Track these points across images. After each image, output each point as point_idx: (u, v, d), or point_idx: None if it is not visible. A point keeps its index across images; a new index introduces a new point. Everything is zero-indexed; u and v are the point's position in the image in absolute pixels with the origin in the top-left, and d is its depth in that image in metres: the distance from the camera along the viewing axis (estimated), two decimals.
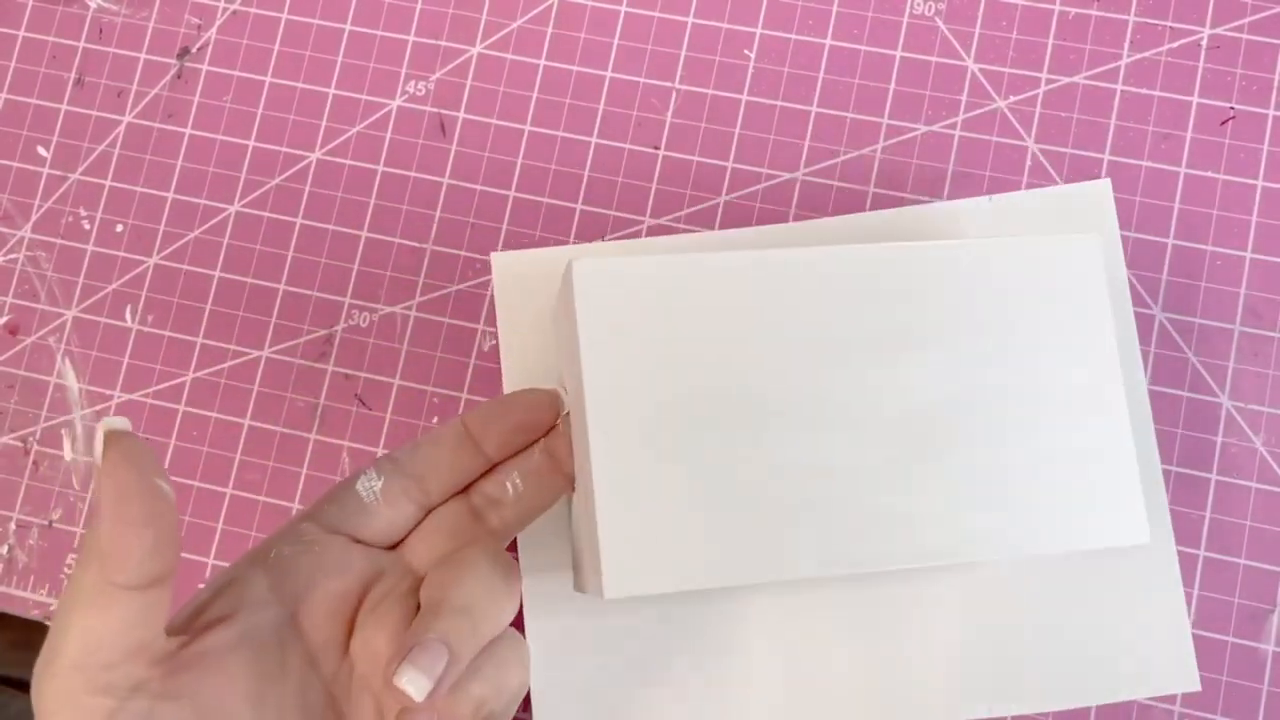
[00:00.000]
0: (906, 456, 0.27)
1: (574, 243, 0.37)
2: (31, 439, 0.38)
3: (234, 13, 0.40)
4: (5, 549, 0.37)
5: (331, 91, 0.39)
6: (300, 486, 0.37)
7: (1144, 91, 0.37)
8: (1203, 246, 0.36)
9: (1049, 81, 0.37)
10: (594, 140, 0.38)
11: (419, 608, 0.27)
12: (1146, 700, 0.34)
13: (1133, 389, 0.35)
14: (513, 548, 0.35)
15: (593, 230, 0.37)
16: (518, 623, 0.34)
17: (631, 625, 0.33)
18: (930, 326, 0.28)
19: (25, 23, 0.40)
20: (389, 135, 0.38)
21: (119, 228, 0.39)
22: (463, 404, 0.37)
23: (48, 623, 0.36)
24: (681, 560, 0.26)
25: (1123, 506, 0.28)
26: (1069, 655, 0.33)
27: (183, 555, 0.36)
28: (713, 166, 0.37)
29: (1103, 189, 0.36)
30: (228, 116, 0.39)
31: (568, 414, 0.30)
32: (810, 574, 0.26)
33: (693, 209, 0.37)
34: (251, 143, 0.39)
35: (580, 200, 0.38)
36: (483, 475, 0.31)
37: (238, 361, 0.37)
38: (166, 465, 0.37)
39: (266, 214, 0.38)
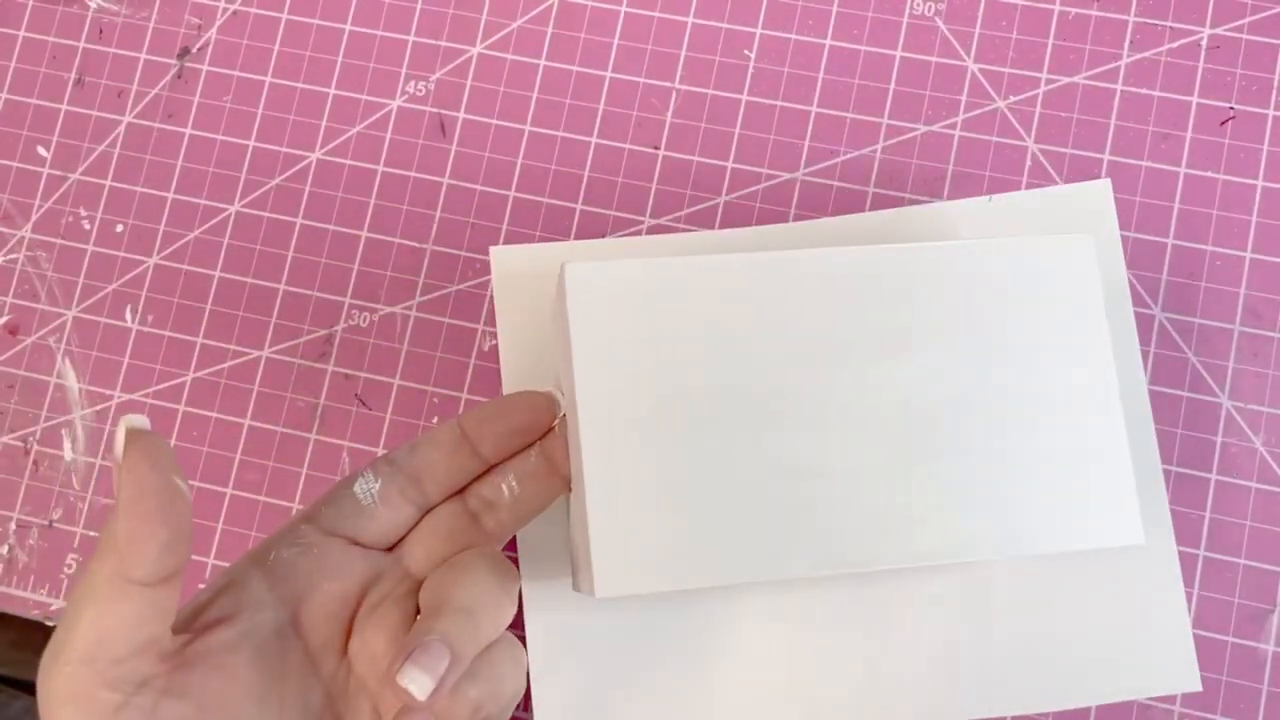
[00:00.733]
0: (902, 457, 0.27)
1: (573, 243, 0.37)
2: (31, 439, 0.38)
3: (234, 13, 0.40)
4: (5, 549, 0.37)
5: (331, 91, 0.39)
6: (300, 487, 0.37)
7: (1144, 91, 0.37)
8: (1203, 246, 0.36)
9: (1049, 81, 0.37)
10: (594, 140, 0.38)
11: (417, 610, 0.27)
12: (1146, 700, 0.34)
13: (1133, 389, 0.35)
14: (512, 546, 0.35)
15: (593, 230, 0.37)
16: (518, 622, 0.34)
17: (630, 625, 0.33)
18: (927, 327, 0.28)
19: (25, 23, 0.40)
20: (389, 135, 0.38)
21: (119, 228, 0.39)
22: (463, 404, 0.37)
23: (48, 622, 0.36)
24: (672, 560, 0.26)
25: (1118, 507, 0.28)
26: (1069, 656, 0.33)
27: None
28: (713, 166, 0.37)
29: (1102, 189, 0.36)
30: (228, 116, 0.39)
31: (564, 416, 0.30)
32: (803, 574, 0.26)
33: (693, 209, 0.37)
34: (251, 143, 0.39)
35: (580, 200, 0.38)
36: (479, 477, 0.31)
37: (238, 361, 0.37)
38: None
39: (266, 214, 0.38)
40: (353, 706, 0.27)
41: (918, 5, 0.38)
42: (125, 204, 0.39)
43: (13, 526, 0.37)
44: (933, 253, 0.29)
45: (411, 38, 0.39)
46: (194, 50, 0.40)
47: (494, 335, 0.37)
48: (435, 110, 0.38)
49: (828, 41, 0.38)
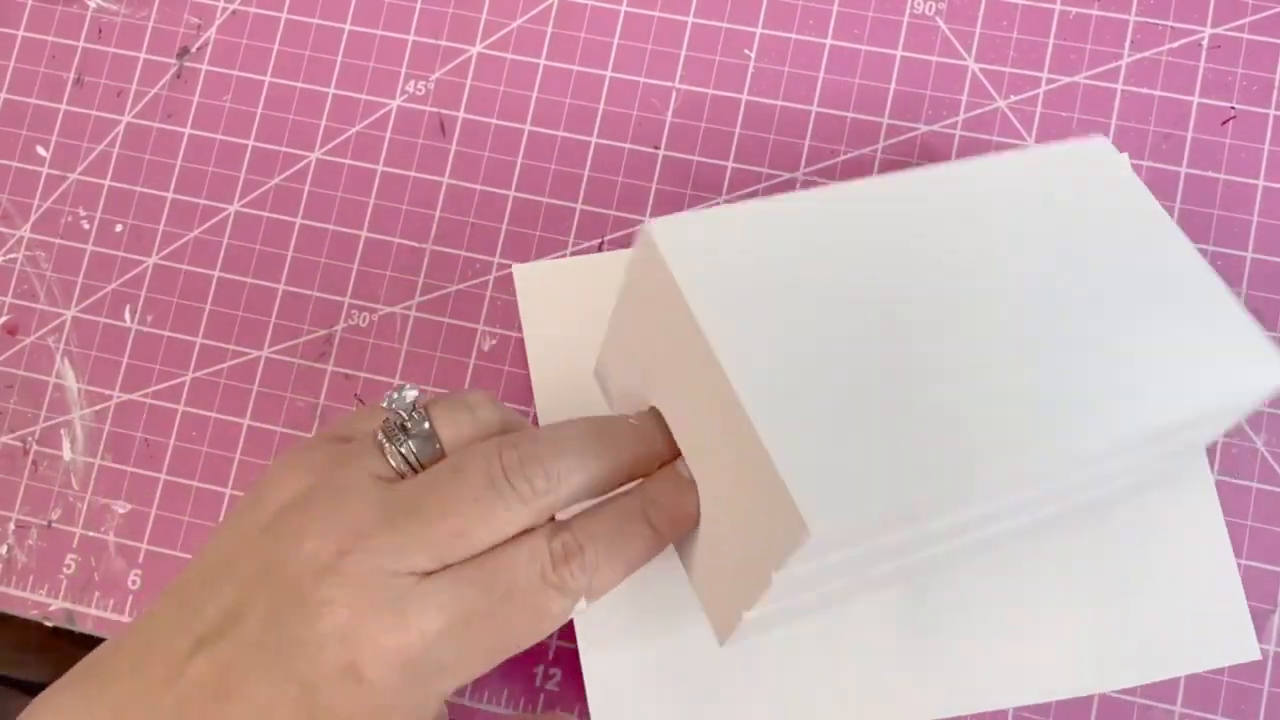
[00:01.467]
0: (1038, 350, 0.27)
1: (574, 242, 0.37)
2: (30, 439, 0.38)
3: (233, 12, 0.40)
4: (4, 549, 0.37)
5: (331, 91, 0.39)
6: None
7: (1145, 91, 0.37)
8: (1203, 246, 0.36)
9: (1050, 81, 0.37)
10: (594, 140, 0.38)
11: None
12: (1146, 701, 0.34)
13: None
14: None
15: (593, 230, 0.37)
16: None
17: (686, 662, 0.33)
18: (1004, 237, 0.28)
19: (24, 22, 0.40)
20: (389, 135, 0.38)
21: (118, 227, 0.39)
22: None
23: (47, 623, 0.36)
24: (871, 480, 0.24)
25: (1243, 345, 0.28)
26: (1123, 631, 0.33)
27: (182, 555, 0.36)
28: (713, 166, 0.37)
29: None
30: (227, 116, 0.39)
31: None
32: (1002, 475, 0.25)
33: (694, 209, 0.37)
34: (251, 142, 0.39)
35: (580, 200, 0.38)
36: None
37: (237, 361, 0.37)
38: (166, 465, 0.37)
39: (266, 214, 0.38)
40: None
41: (918, 5, 0.38)
42: (124, 204, 0.39)
43: (11, 527, 0.37)
44: (974, 169, 0.30)
45: (411, 37, 0.39)
46: (193, 50, 0.39)
47: (493, 336, 0.37)
48: (435, 110, 0.38)
49: (828, 41, 0.38)
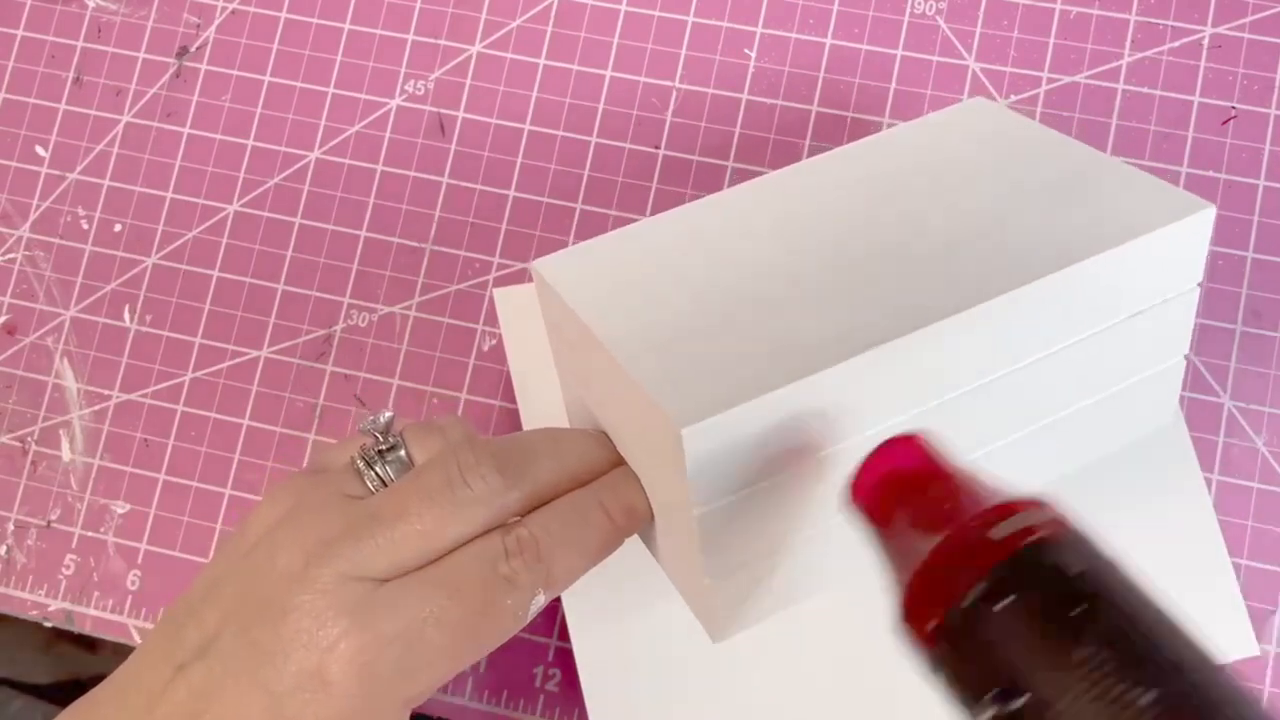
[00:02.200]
0: (922, 254, 0.27)
1: (573, 242, 0.37)
2: (30, 439, 0.38)
3: (233, 12, 0.39)
4: (4, 549, 0.37)
5: (330, 91, 0.39)
6: None
7: (1145, 91, 0.37)
8: None
9: (1050, 81, 0.37)
10: (594, 140, 0.38)
11: None
12: None
13: None
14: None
15: (593, 230, 0.37)
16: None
17: (683, 660, 0.33)
18: (886, 185, 0.29)
19: (24, 22, 0.40)
20: (388, 135, 0.38)
21: (117, 227, 0.39)
22: (462, 404, 0.37)
23: (46, 623, 0.36)
24: (736, 383, 0.24)
25: (1158, 199, 0.27)
26: None
27: (181, 555, 0.36)
28: (713, 166, 0.37)
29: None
30: (226, 116, 0.39)
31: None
32: (876, 338, 0.25)
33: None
34: (250, 142, 0.39)
35: (580, 200, 0.38)
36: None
37: (236, 362, 0.37)
38: (165, 465, 0.37)
39: (265, 214, 0.38)
40: None
41: (918, 4, 0.38)
42: (124, 203, 0.39)
43: (10, 527, 0.37)
44: (863, 145, 0.31)
45: (411, 37, 0.39)
46: (192, 49, 0.39)
47: (493, 335, 0.37)
48: (434, 110, 0.38)
49: (828, 40, 0.38)
